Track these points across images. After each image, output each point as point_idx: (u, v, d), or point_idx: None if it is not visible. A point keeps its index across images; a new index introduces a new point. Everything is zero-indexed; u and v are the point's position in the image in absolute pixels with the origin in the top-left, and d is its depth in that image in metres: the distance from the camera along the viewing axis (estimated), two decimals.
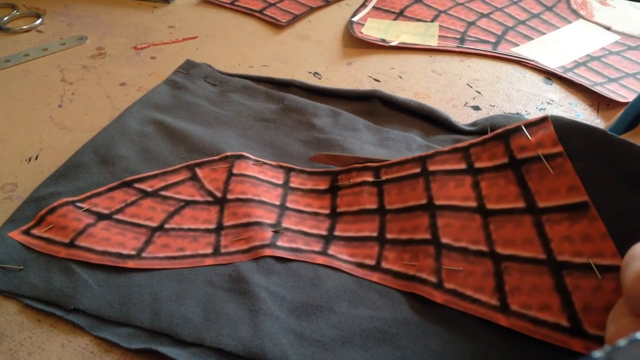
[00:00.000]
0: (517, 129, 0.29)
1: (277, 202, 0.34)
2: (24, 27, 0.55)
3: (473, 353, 0.25)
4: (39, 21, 0.56)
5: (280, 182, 0.35)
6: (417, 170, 0.32)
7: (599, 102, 0.44)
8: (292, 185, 0.35)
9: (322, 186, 0.35)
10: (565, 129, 0.27)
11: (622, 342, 0.13)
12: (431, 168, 0.32)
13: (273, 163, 0.36)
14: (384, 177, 0.33)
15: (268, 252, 0.30)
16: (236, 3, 0.60)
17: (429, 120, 0.41)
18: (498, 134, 0.30)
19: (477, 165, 0.30)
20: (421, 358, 0.25)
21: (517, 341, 0.25)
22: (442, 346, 0.26)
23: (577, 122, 0.27)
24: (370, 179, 0.34)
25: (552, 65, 0.48)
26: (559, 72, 0.47)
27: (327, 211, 0.33)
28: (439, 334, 0.26)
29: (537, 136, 0.28)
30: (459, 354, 0.25)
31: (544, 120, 0.28)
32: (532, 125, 0.29)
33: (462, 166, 0.31)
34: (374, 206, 0.33)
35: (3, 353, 0.26)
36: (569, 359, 0.23)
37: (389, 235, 0.31)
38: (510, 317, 0.25)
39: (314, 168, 0.36)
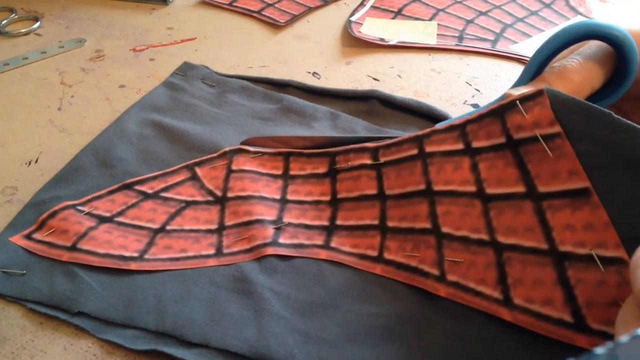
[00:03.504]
0: (512, 105, 0.27)
1: (278, 196, 0.34)
2: (23, 30, 0.55)
3: (478, 347, 0.25)
4: (37, 24, 0.56)
5: (279, 172, 0.35)
6: (415, 151, 0.32)
7: None
8: (291, 172, 0.35)
9: (321, 169, 0.35)
10: (564, 107, 0.26)
11: (624, 338, 0.13)
12: (428, 149, 0.31)
13: (271, 151, 0.36)
14: (382, 159, 0.33)
15: (270, 250, 0.30)
16: (234, 4, 0.60)
17: (428, 119, 0.41)
18: (493, 110, 0.28)
19: (475, 144, 0.29)
20: (427, 354, 0.25)
21: (522, 335, 0.25)
22: (448, 341, 0.25)
23: (578, 100, 0.25)
24: (368, 161, 0.33)
25: None
26: None
27: (327, 198, 0.33)
28: (444, 329, 0.26)
29: (533, 113, 0.26)
30: (465, 348, 0.25)
31: (539, 94, 0.26)
32: (528, 99, 0.27)
33: (460, 146, 0.30)
34: (373, 191, 0.32)
35: (5, 356, 0.26)
36: (573, 354, 0.23)
37: (390, 223, 0.31)
38: (514, 312, 0.25)
39: (311, 150, 0.36)
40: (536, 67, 0.30)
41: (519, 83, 0.31)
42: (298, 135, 0.36)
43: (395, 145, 0.33)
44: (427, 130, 0.32)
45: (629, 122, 0.24)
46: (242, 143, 0.37)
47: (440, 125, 0.32)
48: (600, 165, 0.24)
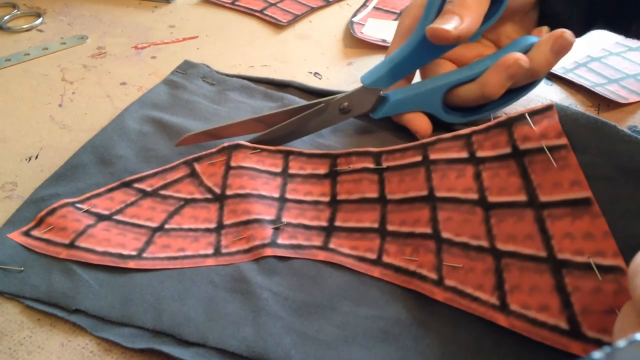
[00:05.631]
0: (521, 117, 0.28)
1: (277, 195, 0.34)
2: (25, 26, 0.55)
3: (475, 353, 0.25)
4: (39, 20, 0.56)
5: (279, 169, 0.35)
6: (419, 158, 0.32)
7: (599, 103, 0.44)
8: (291, 171, 0.35)
9: (322, 170, 0.35)
10: (571, 120, 0.27)
11: (621, 343, 0.13)
12: (432, 156, 0.31)
13: (271, 148, 0.36)
14: (384, 164, 0.33)
15: (269, 251, 0.30)
16: (237, 3, 0.60)
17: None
18: (501, 122, 0.29)
19: (479, 154, 0.29)
20: (423, 358, 0.25)
21: (519, 342, 0.25)
22: (444, 346, 0.26)
23: (585, 114, 0.26)
24: (370, 165, 0.33)
25: None
26: (559, 72, 0.47)
27: (327, 199, 0.33)
28: (441, 334, 0.26)
29: (541, 126, 0.27)
30: (461, 354, 0.25)
31: (548, 108, 0.27)
32: (537, 113, 0.28)
33: (464, 155, 0.30)
34: (374, 195, 0.32)
35: (3, 352, 0.26)
36: None
37: (390, 227, 0.31)
38: (509, 317, 0.25)
39: (311, 150, 0.36)
40: (439, 3, 0.34)
41: (426, 21, 0.34)
42: (236, 122, 0.36)
43: (399, 151, 0.33)
44: (433, 138, 0.32)
45: (631, 133, 0.25)
46: (177, 144, 0.36)
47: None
48: (603, 176, 0.25)
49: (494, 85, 0.34)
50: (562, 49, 0.33)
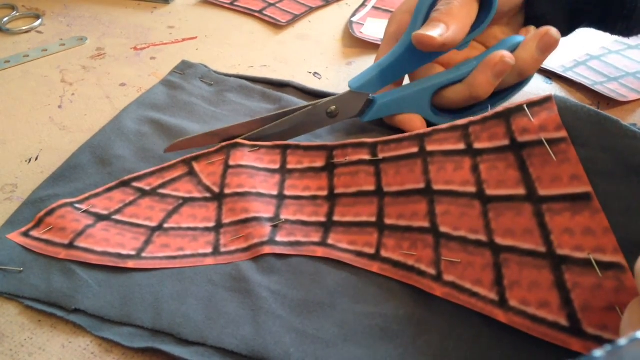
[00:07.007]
0: (519, 108, 0.28)
1: (275, 192, 0.34)
2: (24, 28, 0.55)
3: (474, 350, 0.25)
4: (38, 22, 0.56)
5: (277, 166, 0.35)
6: (415, 150, 0.31)
7: (599, 101, 0.44)
8: (289, 167, 0.35)
9: (319, 163, 0.35)
10: (571, 113, 0.26)
11: (622, 341, 0.13)
12: (429, 148, 0.31)
13: (269, 144, 0.36)
14: (380, 156, 0.33)
15: (267, 249, 0.30)
16: (236, 3, 0.60)
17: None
18: (498, 113, 0.29)
19: (477, 145, 0.29)
20: (422, 354, 0.25)
21: (519, 338, 0.25)
22: (443, 342, 0.25)
23: (585, 107, 0.26)
24: (366, 157, 0.33)
25: (552, 64, 0.48)
26: (559, 71, 0.47)
27: (325, 193, 0.33)
28: (440, 330, 0.26)
29: (539, 118, 0.27)
30: (460, 350, 0.25)
31: (547, 100, 0.27)
32: (535, 105, 0.27)
33: (461, 146, 0.30)
34: (371, 188, 0.32)
35: (4, 354, 0.26)
36: (570, 358, 0.23)
37: (387, 221, 0.31)
38: (508, 313, 0.25)
39: (308, 142, 0.36)
40: (426, 11, 0.35)
41: (413, 28, 0.35)
42: (230, 125, 0.36)
43: (395, 142, 0.33)
44: (429, 129, 0.32)
45: (635, 129, 0.25)
46: (167, 150, 0.36)
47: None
48: (604, 171, 0.25)
49: (482, 84, 0.34)
50: (548, 47, 0.34)
